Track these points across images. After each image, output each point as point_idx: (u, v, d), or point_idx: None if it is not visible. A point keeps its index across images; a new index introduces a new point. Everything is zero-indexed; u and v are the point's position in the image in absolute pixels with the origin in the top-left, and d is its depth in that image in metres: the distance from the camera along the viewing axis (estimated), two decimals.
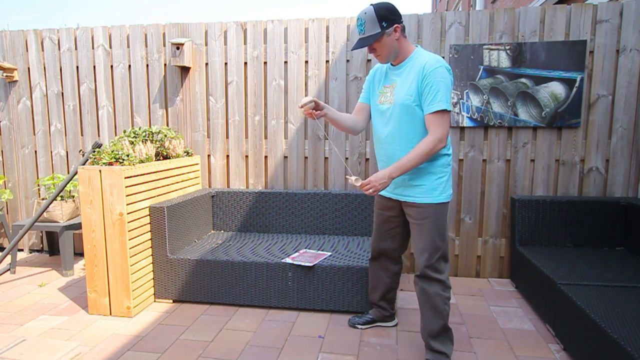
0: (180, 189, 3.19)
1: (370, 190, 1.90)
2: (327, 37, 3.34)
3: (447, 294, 2.03)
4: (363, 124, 2.23)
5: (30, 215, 3.93)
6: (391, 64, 2.07)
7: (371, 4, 1.92)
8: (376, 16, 1.88)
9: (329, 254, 2.81)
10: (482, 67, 3.10)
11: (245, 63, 3.48)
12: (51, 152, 3.83)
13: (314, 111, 2.03)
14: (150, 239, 2.81)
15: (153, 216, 2.77)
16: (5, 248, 3.70)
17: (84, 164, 2.75)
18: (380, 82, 2.12)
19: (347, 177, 2.26)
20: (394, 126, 2.01)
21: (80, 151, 3.63)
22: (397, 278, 2.39)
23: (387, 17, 1.89)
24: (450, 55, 3.14)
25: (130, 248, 2.61)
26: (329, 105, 3.35)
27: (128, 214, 2.58)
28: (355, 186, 1.99)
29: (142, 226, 2.73)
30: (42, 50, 3.74)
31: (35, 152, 3.85)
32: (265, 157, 3.53)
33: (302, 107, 1.99)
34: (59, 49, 3.71)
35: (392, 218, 2.22)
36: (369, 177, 1.91)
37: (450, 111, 1.89)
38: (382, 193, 2.20)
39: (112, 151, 2.66)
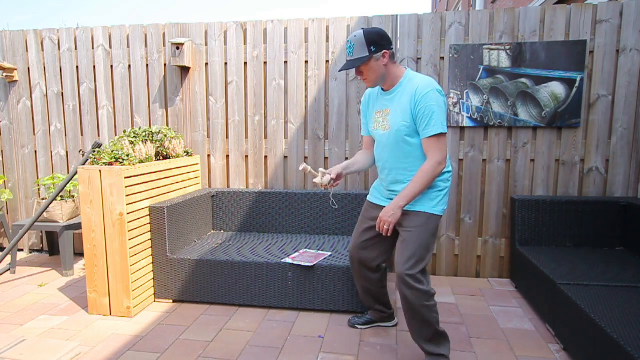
0: (180, 189, 3.19)
1: (385, 227, 1.96)
2: (327, 37, 3.34)
3: (432, 302, 1.99)
4: None
5: (30, 215, 3.93)
6: (382, 89, 2.09)
7: (362, 28, 1.97)
8: (365, 40, 1.91)
9: (329, 254, 2.82)
10: (482, 67, 3.10)
11: (245, 63, 3.48)
12: (51, 152, 3.83)
13: (336, 181, 2.12)
14: (150, 239, 2.81)
15: (153, 216, 2.77)
16: (5, 248, 3.70)
17: (84, 164, 2.75)
18: (374, 108, 2.14)
19: (314, 181, 2.19)
20: (392, 152, 2.03)
21: (80, 151, 3.63)
22: (380, 284, 2.37)
23: (377, 42, 1.92)
24: (450, 55, 3.14)
25: (130, 248, 2.61)
26: (329, 106, 3.36)
27: (128, 214, 2.58)
28: (324, 186, 2.06)
29: (142, 226, 2.73)
30: (42, 50, 3.74)
31: (35, 152, 3.85)
32: (265, 157, 3.53)
33: (323, 185, 2.08)
34: (59, 49, 3.71)
35: (374, 228, 2.21)
36: (379, 215, 1.99)
37: (445, 133, 1.92)
38: (376, 201, 2.21)
39: (112, 151, 2.66)
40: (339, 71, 2.00)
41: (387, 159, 2.07)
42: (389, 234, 1.97)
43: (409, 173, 2.02)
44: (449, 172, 2.05)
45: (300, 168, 2.04)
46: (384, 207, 2.14)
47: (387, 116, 2.02)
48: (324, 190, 2.22)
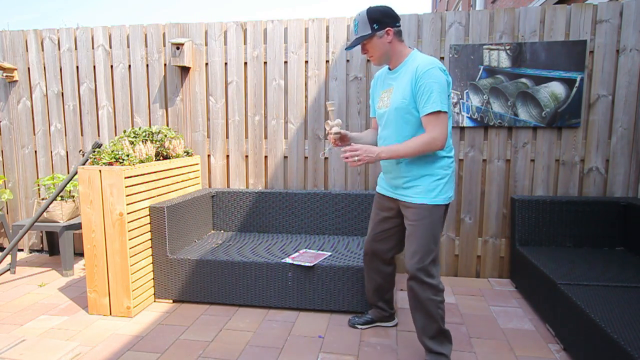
0: (180, 189, 3.19)
1: (355, 159, 1.88)
2: (327, 37, 3.34)
3: (440, 298, 1.99)
4: None
5: (30, 215, 3.93)
6: (388, 69, 2.09)
7: (368, 7, 1.96)
8: (367, 18, 1.93)
9: (329, 254, 2.81)
10: (482, 67, 3.10)
11: (245, 63, 3.48)
12: (51, 152, 3.83)
13: (339, 142, 2.12)
14: (150, 239, 2.81)
15: (153, 216, 2.77)
16: (5, 248, 3.70)
17: (84, 164, 2.75)
18: (380, 88, 2.15)
19: (327, 121, 2.15)
20: (391, 129, 2.03)
21: (80, 151, 3.63)
22: (391, 279, 2.38)
23: (379, 19, 1.93)
24: (450, 55, 3.14)
25: (130, 248, 2.61)
26: None
27: (128, 214, 2.58)
28: (331, 134, 2.05)
29: (142, 226, 2.73)
30: (42, 50, 3.74)
31: (35, 152, 3.85)
32: (265, 157, 3.53)
33: (329, 133, 2.08)
34: (59, 49, 3.71)
35: (390, 219, 2.22)
36: (360, 147, 1.91)
37: (446, 112, 1.88)
38: (383, 192, 2.20)
39: (112, 151, 2.66)
40: (345, 49, 2.00)
41: (386, 137, 2.06)
42: (348, 162, 1.89)
43: None
44: (449, 157, 2.00)
45: (328, 103, 2.06)
46: (393, 198, 2.14)
47: (391, 94, 2.02)
48: (326, 138, 2.19)
